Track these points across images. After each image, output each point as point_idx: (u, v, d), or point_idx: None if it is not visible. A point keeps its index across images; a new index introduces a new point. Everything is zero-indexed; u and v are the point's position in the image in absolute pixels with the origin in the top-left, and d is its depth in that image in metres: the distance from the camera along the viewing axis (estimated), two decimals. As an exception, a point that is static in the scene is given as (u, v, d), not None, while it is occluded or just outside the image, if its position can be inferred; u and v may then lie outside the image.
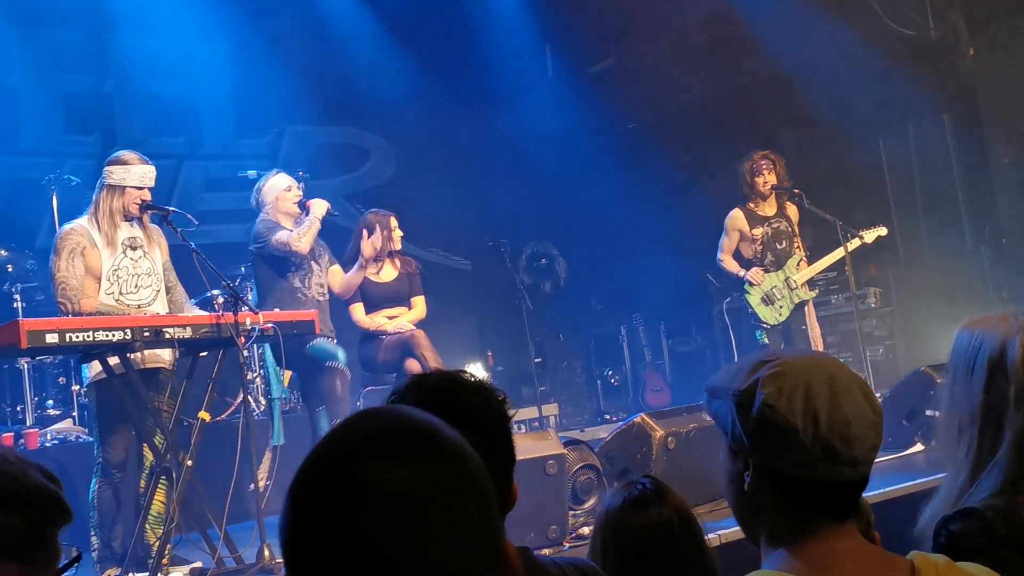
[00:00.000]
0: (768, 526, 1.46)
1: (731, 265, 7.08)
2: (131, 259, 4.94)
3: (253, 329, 4.73)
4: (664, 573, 2.09)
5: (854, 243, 6.92)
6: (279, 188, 6.19)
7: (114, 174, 4.92)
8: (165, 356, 4.95)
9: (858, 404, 1.40)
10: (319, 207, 6.11)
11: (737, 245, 7.07)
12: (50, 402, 7.23)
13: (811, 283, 7.20)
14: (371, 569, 0.86)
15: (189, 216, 5.08)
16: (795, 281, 7.01)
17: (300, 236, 5.98)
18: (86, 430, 6.79)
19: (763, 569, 1.43)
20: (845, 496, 1.42)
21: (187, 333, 4.56)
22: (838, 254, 7.01)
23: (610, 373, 10.42)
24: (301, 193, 6.27)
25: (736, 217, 7.02)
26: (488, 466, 0.96)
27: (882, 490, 4.39)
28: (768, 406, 1.40)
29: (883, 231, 7.10)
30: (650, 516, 2.14)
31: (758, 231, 6.98)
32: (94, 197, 4.97)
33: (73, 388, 7.11)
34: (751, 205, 7.02)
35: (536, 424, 8.94)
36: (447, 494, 0.90)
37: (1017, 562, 1.58)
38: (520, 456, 4.68)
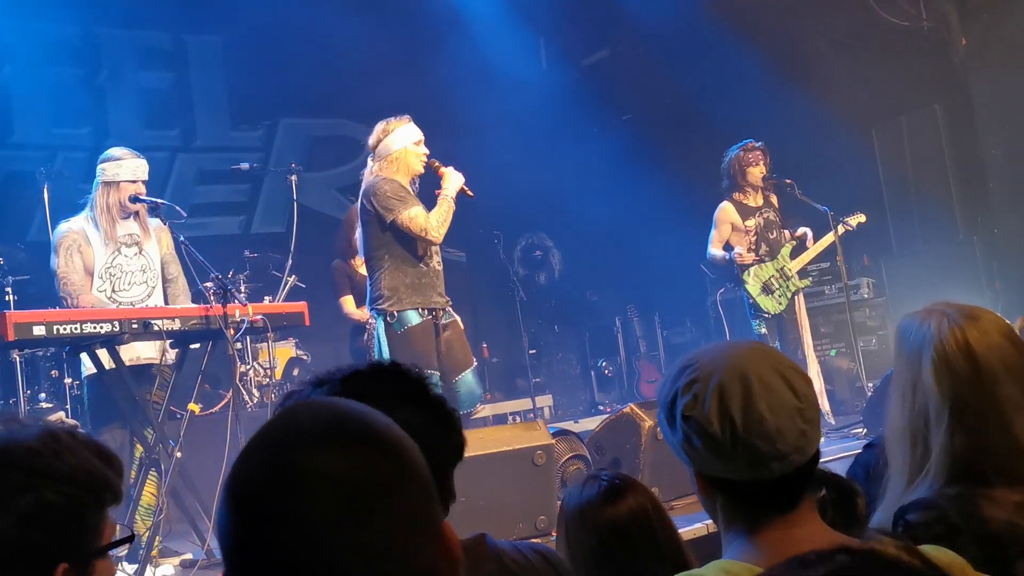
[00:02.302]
0: (724, 520, 1.48)
1: (718, 253, 7.03)
2: (126, 256, 4.97)
3: (242, 321, 4.74)
4: (640, 558, 2.10)
5: (840, 230, 6.93)
6: (409, 139, 5.16)
7: (107, 171, 4.96)
8: (156, 353, 4.96)
9: (777, 395, 1.39)
10: (454, 181, 5.20)
11: (728, 238, 7.04)
12: (43, 395, 7.23)
13: (804, 273, 7.20)
14: (309, 557, 0.87)
15: (178, 208, 5.10)
16: (789, 270, 7.02)
17: (439, 225, 5.07)
18: (78, 424, 6.79)
19: (724, 559, 1.44)
20: (786, 488, 1.42)
21: (176, 325, 4.57)
22: (827, 240, 7.03)
23: (604, 364, 10.43)
24: (427, 151, 5.27)
25: (727, 210, 6.99)
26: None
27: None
28: (686, 417, 1.41)
29: (862, 217, 7.10)
30: (629, 505, 2.15)
31: (751, 222, 6.97)
32: (91, 195, 5.01)
33: (66, 381, 7.10)
34: (738, 196, 6.99)
35: (531, 415, 8.96)
36: (385, 481, 0.90)
37: (973, 550, 1.58)
38: (509, 446, 4.70)
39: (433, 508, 0.95)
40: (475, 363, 5.29)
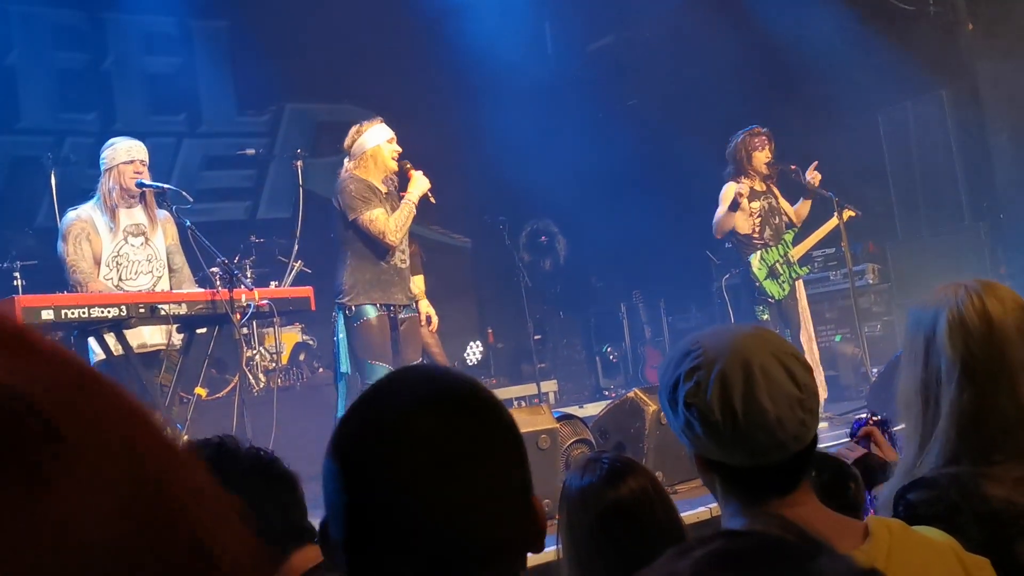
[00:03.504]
0: (723, 500, 1.51)
1: (727, 218, 6.85)
2: (132, 246, 5.00)
3: (248, 306, 4.77)
4: (642, 539, 2.12)
5: (845, 216, 6.93)
6: (382, 137, 5.36)
7: (106, 158, 5.02)
8: (162, 339, 5.00)
9: (778, 384, 1.40)
10: (420, 186, 5.36)
11: (733, 221, 7.02)
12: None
13: (805, 259, 7.21)
14: (404, 512, 0.95)
15: (184, 193, 5.12)
16: (792, 257, 7.02)
17: (397, 229, 5.26)
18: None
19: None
20: (784, 473, 1.44)
21: (182, 309, 4.61)
22: (829, 226, 7.02)
23: (609, 350, 10.45)
24: (400, 149, 5.45)
25: (733, 188, 6.96)
26: None
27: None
28: (687, 405, 1.42)
29: (852, 212, 7.07)
30: (630, 486, 2.17)
31: (756, 204, 6.97)
32: (98, 185, 5.05)
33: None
34: (744, 180, 6.99)
35: (536, 400, 8.99)
36: (478, 445, 0.98)
37: (973, 529, 1.60)
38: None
39: (521, 476, 1.02)
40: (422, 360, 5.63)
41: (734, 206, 6.77)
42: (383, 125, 5.42)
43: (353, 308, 5.23)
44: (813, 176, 6.94)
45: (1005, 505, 1.68)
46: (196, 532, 0.45)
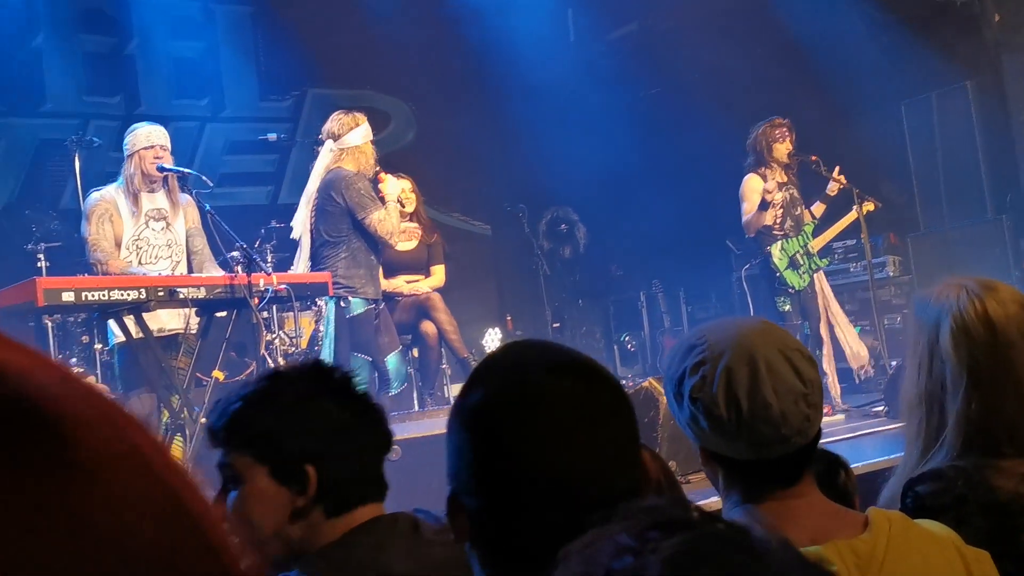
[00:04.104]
0: (725, 492, 1.53)
1: (760, 219, 6.86)
2: (153, 230, 5.05)
3: (267, 290, 4.80)
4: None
5: (864, 209, 6.89)
6: (369, 136, 5.75)
7: (128, 144, 5.06)
8: (180, 323, 5.05)
9: (783, 379, 1.41)
10: (394, 189, 5.76)
11: (764, 218, 6.97)
12: (74, 360, 7.35)
13: (825, 251, 7.19)
14: (545, 467, 1.02)
15: (204, 178, 5.17)
16: (812, 248, 7.00)
17: (400, 236, 5.83)
18: (107, 388, 6.91)
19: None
20: (787, 466, 1.46)
21: (201, 293, 4.65)
22: (849, 218, 6.99)
23: (627, 339, 10.45)
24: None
25: (754, 180, 6.93)
26: None
27: (880, 459, 4.40)
28: (693, 399, 1.44)
29: (871, 206, 7.02)
30: (647, 474, 2.18)
31: (778, 196, 6.95)
32: (122, 168, 5.10)
33: (96, 347, 7.21)
34: (764, 171, 6.97)
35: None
36: (609, 405, 1.08)
37: (979, 520, 1.61)
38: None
39: (637, 434, 1.10)
40: (400, 347, 6.00)
41: (764, 206, 6.77)
42: (368, 125, 5.76)
43: (349, 300, 5.53)
44: (837, 179, 6.91)
45: (1012, 497, 1.69)
46: (215, 545, 0.47)
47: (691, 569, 0.65)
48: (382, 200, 5.63)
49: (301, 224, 5.74)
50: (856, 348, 7.13)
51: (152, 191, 5.06)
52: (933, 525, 1.50)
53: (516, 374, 1.09)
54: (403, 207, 6.12)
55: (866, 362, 7.18)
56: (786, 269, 6.91)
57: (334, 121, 5.69)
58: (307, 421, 1.55)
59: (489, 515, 1.05)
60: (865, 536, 1.42)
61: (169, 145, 5.10)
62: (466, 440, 1.06)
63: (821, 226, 7.12)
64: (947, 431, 1.77)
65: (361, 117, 5.72)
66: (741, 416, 1.40)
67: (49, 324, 7.19)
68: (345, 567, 1.51)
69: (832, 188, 6.95)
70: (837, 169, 6.96)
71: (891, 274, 8.44)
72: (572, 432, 1.03)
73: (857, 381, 7.32)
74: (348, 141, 5.62)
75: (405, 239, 6.28)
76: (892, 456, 4.32)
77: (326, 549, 1.54)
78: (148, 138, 5.01)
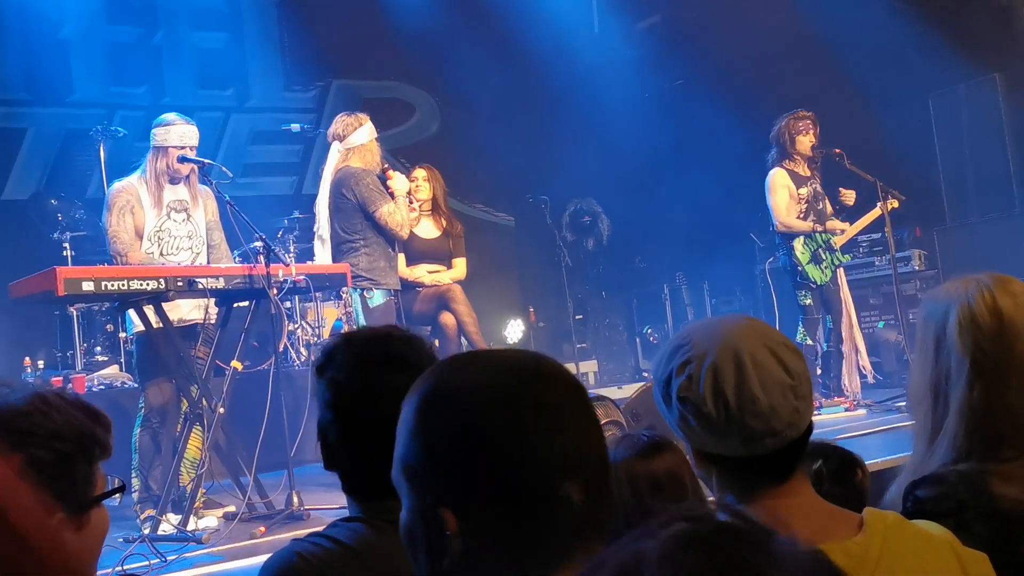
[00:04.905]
0: (719, 493, 1.52)
1: (797, 223, 6.86)
2: (174, 221, 5.07)
3: (285, 281, 4.82)
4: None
5: (888, 207, 6.82)
6: (374, 134, 5.93)
7: (157, 136, 5.05)
8: (199, 314, 5.08)
9: (769, 373, 1.41)
10: (402, 185, 5.87)
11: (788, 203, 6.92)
12: (98, 348, 7.45)
13: (850, 245, 7.14)
14: (556, 436, 1.10)
15: (224, 168, 5.19)
16: (834, 243, 6.95)
17: (408, 227, 5.88)
18: (131, 376, 6.99)
19: None
20: (779, 462, 1.45)
21: (220, 283, 4.67)
22: (873, 215, 6.94)
23: (650, 331, 10.42)
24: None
25: (781, 175, 6.89)
26: None
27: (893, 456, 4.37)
28: (681, 399, 1.44)
29: (897, 203, 6.94)
30: (666, 462, 2.19)
31: (803, 190, 6.90)
32: (145, 158, 5.11)
33: (120, 335, 7.30)
34: (788, 165, 6.92)
35: (576, 380, 8.99)
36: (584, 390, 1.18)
37: (980, 526, 1.59)
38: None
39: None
40: None
41: (784, 199, 6.78)
42: (371, 124, 5.91)
43: (372, 291, 5.70)
44: (847, 195, 6.90)
45: (1012, 504, 1.67)
46: (37, 552, 0.48)
47: (683, 552, 0.69)
48: (391, 195, 5.75)
49: (321, 226, 5.91)
50: (863, 359, 7.10)
51: (172, 183, 5.08)
52: (929, 525, 1.49)
53: (517, 369, 1.17)
54: (414, 197, 6.27)
55: (870, 371, 7.15)
56: (808, 264, 6.87)
57: (338, 123, 5.87)
58: None
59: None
60: (859, 538, 1.41)
61: (198, 144, 5.12)
62: (481, 412, 1.14)
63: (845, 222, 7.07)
64: (950, 417, 1.76)
65: (364, 117, 5.87)
66: (729, 412, 1.40)
67: (74, 312, 7.29)
68: None
69: (848, 198, 6.92)
70: (853, 194, 6.93)
71: (916, 268, 8.36)
72: (568, 405, 1.15)
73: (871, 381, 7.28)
74: (353, 140, 5.81)
75: (415, 225, 6.39)
76: (908, 454, 4.28)
77: None
78: (182, 138, 5.01)
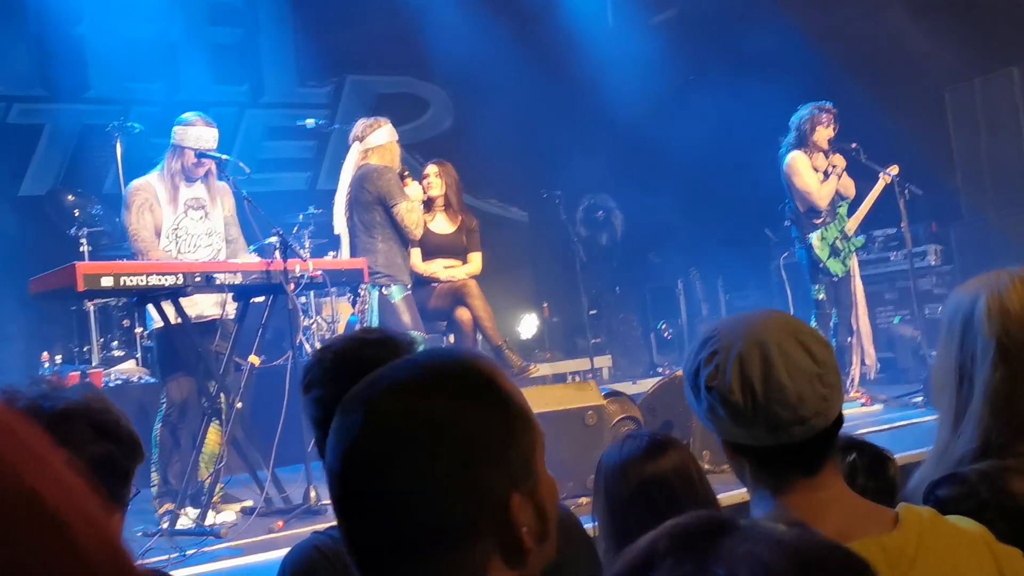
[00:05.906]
0: (751, 484, 1.52)
1: (821, 189, 6.80)
2: (192, 219, 5.09)
3: (302, 276, 4.84)
4: (681, 510, 2.13)
5: (891, 169, 6.80)
6: (394, 136, 6.03)
7: (176, 134, 5.08)
8: (217, 309, 5.10)
9: (795, 362, 1.41)
10: (416, 192, 5.98)
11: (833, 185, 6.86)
12: (115, 343, 7.48)
13: (860, 230, 7.11)
14: (353, 486, 1.03)
15: (241, 164, 5.20)
16: (848, 230, 6.94)
17: (422, 228, 6.00)
18: (148, 371, 7.02)
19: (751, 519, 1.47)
20: (809, 452, 1.45)
21: (237, 279, 4.69)
22: (878, 188, 6.91)
23: (664, 326, 10.41)
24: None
25: (802, 158, 6.82)
26: None
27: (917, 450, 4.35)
28: (708, 388, 1.44)
29: (895, 169, 6.90)
30: (672, 460, 2.20)
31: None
32: (164, 156, 5.13)
33: (137, 331, 7.33)
34: (805, 152, 6.89)
35: (589, 375, 9.00)
36: (433, 430, 1.01)
37: (1001, 524, 1.59)
38: (560, 406, 4.75)
39: (480, 467, 1.02)
40: (426, 334, 6.13)
41: (819, 178, 6.76)
42: (391, 126, 6.02)
43: (391, 287, 5.77)
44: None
45: None
46: (26, 482, 0.48)
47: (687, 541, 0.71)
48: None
49: (338, 222, 6.00)
50: (867, 348, 7.07)
51: (189, 181, 5.10)
52: (964, 521, 1.49)
53: (362, 391, 1.13)
54: (426, 193, 6.32)
55: (872, 362, 7.11)
56: (828, 258, 6.85)
57: (359, 126, 5.99)
58: None
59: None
60: (895, 533, 1.40)
61: (217, 145, 5.14)
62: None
63: (852, 206, 7.04)
64: (974, 400, 1.77)
65: (384, 120, 5.99)
66: (756, 400, 1.40)
67: (91, 308, 7.32)
68: None
69: (838, 162, 6.88)
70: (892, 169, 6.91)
71: (932, 263, 8.32)
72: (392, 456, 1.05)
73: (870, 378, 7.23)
74: (372, 141, 5.89)
75: (430, 221, 6.45)
76: (927, 449, 4.26)
77: None
78: (198, 141, 5.04)
